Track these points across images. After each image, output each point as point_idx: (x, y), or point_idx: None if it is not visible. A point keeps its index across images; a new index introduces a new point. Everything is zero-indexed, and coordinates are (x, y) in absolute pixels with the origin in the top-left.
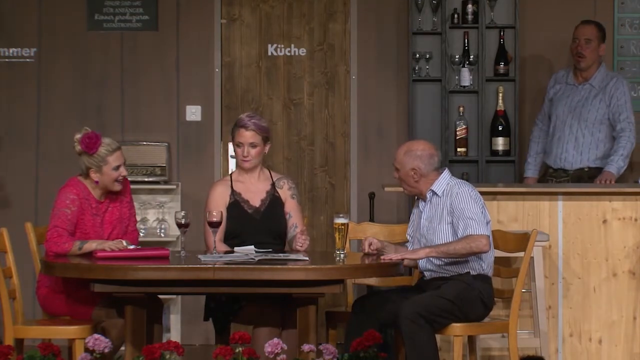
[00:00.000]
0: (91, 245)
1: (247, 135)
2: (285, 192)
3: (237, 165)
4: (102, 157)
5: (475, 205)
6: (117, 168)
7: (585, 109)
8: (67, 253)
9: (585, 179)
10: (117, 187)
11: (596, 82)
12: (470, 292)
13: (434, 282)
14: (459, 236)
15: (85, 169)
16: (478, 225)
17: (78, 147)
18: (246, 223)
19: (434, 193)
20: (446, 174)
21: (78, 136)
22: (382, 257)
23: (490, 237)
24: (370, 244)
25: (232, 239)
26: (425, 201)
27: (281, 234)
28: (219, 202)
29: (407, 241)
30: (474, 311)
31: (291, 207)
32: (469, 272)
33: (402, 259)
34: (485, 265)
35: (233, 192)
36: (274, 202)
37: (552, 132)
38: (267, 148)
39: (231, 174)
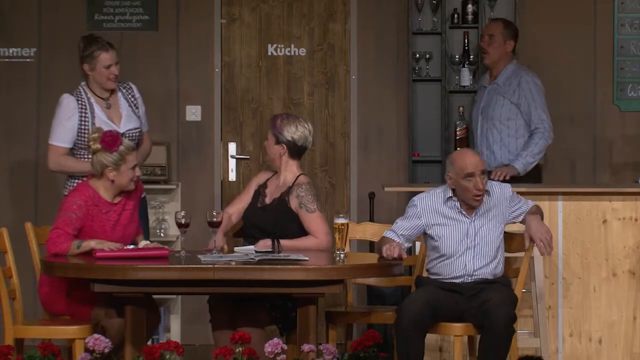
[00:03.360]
0: (89, 243)
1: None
2: (294, 202)
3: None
4: (121, 155)
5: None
6: (133, 168)
7: (491, 108)
8: (65, 253)
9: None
10: (132, 186)
11: (501, 80)
12: (508, 292)
13: (478, 286)
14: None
15: (101, 168)
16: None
17: (95, 146)
18: (251, 213)
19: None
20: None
21: (95, 135)
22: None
23: None
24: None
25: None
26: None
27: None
28: (252, 186)
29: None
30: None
31: (302, 219)
32: (505, 275)
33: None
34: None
35: (265, 183)
36: (280, 204)
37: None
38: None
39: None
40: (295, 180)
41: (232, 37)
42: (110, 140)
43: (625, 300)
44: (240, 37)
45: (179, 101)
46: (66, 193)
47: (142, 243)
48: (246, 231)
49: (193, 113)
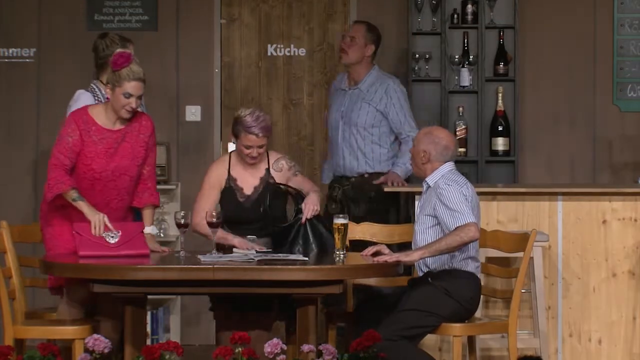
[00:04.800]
0: (83, 207)
1: (256, 141)
2: (286, 173)
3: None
4: (119, 77)
5: (459, 196)
6: (128, 96)
7: (355, 114)
8: (60, 192)
9: (366, 186)
10: (125, 114)
11: (365, 86)
12: (433, 292)
13: (411, 284)
14: (447, 231)
15: (106, 82)
16: (463, 215)
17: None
18: (237, 211)
19: (428, 185)
20: (447, 166)
21: (119, 50)
22: (375, 259)
23: (479, 224)
24: (377, 252)
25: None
26: (424, 191)
27: (271, 222)
28: (214, 185)
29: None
30: (443, 310)
31: (298, 182)
32: (431, 271)
33: (397, 261)
34: (455, 260)
35: (230, 177)
36: (266, 189)
37: (330, 140)
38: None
39: (230, 155)
40: (267, 158)
41: (231, 37)
42: (119, 58)
43: (625, 301)
44: (240, 37)
45: (178, 101)
46: None
47: (148, 229)
48: (235, 229)
49: (193, 113)
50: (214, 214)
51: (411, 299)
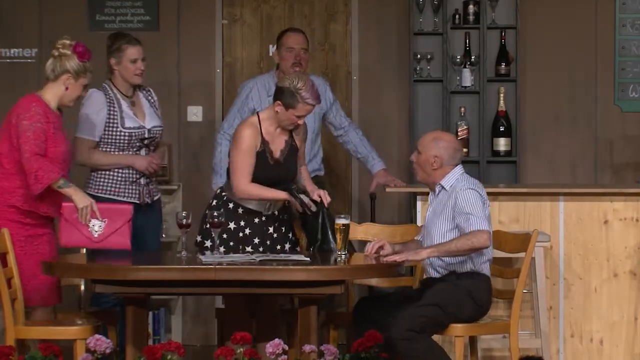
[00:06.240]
0: (72, 194)
1: (312, 109)
2: (299, 138)
3: (276, 119)
4: (85, 68)
5: (478, 201)
6: (85, 87)
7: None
8: (52, 182)
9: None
10: (71, 104)
11: None
12: (456, 292)
13: (428, 282)
14: (460, 233)
15: (60, 73)
16: (478, 221)
17: (64, 50)
18: (266, 174)
19: (442, 187)
20: (458, 169)
21: (67, 41)
22: (384, 259)
23: (491, 232)
24: (380, 247)
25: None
26: (434, 194)
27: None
28: (251, 147)
29: (413, 240)
30: (463, 311)
31: (303, 148)
32: (454, 271)
33: (405, 260)
34: (477, 262)
35: (263, 140)
36: (291, 151)
37: None
38: None
39: (258, 117)
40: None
41: (233, 37)
42: (84, 50)
43: (627, 301)
44: (242, 37)
45: (180, 102)
46: (90, 187)
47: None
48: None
49: (194, 113)
50: (215, 214)
51: (434, 295)
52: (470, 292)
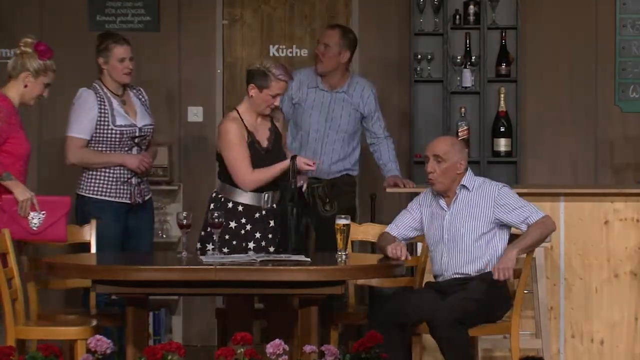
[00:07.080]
0: (14, 187)
1: (285, 87)
2: (282, 122)
3: (253, 105)
4: (45, 67)
5: (515, 194)
6: (46, 86)
7: (343, 119)
8: None
9: (341, 185)
10: (32, 102)
11: (350, 92)
12: (497, 291)
13: (455, 283)
14: (522, 228)
15: (21, 71)
16: (533, 209)
17: (26, 49)
18: (261, 164)
19: (464, 187)
20: (470, 170)
21: (30, 40)
22: (496, 277)
23: None
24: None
25: None
26: (450, 198)
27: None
28: (242, 140)
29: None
30: (499, 310)
31: (281, 127)
32: (491, 271)
33: (501, 271)
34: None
35: (248, 132)
36: (277, 138)
37: (306, 140)
38: None
39: (237, 112)
40: None
41: (233, 38)
42: (45, 49)
43: (627, 301)
44: (242, 38)
45: (180, 102)
46: (81, 187)
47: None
48: None
49: (195, 114)
50: (216, 214)
51: (481, 291)
52: (506, 292)
